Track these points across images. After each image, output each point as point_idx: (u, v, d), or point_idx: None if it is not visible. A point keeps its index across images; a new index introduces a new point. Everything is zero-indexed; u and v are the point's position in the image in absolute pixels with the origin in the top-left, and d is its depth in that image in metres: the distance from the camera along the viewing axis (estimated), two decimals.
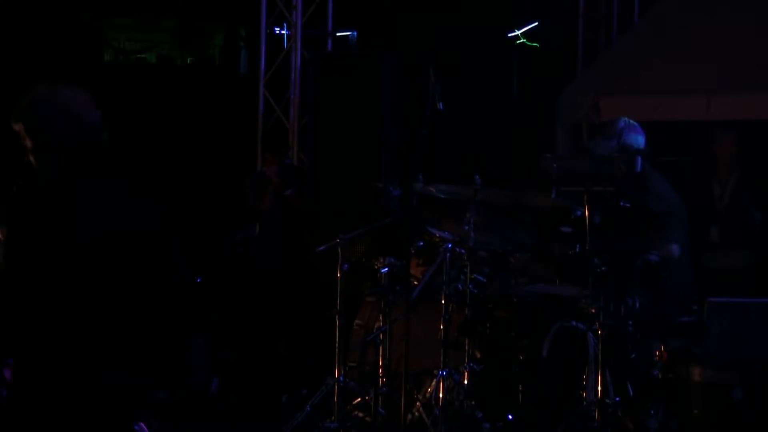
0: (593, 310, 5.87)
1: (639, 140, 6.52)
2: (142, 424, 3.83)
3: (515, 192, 6.90)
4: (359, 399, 6.64)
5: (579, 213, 6.07)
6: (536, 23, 11.82)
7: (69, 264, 3.53)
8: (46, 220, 3.55)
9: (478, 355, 6.41)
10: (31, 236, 3.54)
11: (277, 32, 10.23)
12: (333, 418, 6.51)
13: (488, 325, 6.50)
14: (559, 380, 6.18)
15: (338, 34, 10.13)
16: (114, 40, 19.45)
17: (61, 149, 3.69)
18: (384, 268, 6.49)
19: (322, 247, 6.77)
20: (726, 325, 5.66)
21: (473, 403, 6.18)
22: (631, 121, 6.61)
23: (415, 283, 6.47)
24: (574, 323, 6.19)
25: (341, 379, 6.54)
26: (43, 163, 3.67)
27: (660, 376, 5.95)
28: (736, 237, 7.94)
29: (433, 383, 6.25)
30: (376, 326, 6.60)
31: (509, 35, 11.10)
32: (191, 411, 8.20)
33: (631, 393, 6.09)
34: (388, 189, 8.41)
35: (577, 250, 6.19)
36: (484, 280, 6.70)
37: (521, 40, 11.94)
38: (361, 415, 6.60)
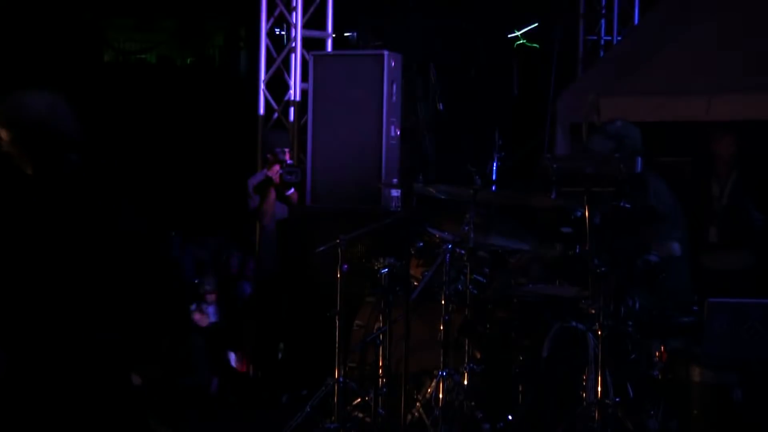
0: (593, 311, 5.87)
1: (637, 140, 6.53)
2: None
3: (515, 192, 6.90)
4: (359, 399, 6.64)
5: (579, 213, 6.08)
6: (536, 23, 11.82)
7: (55, 255, 3.58)
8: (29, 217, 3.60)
9: (478, 356, 6.41)
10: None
11: (277, 33, 10.21)
12: (333, 418, 6.51)
13: (488, 326, 6.50)
14: (559, 381, 6.18)
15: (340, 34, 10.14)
16: (114, 41, 19.44)
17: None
18: (384, 268, 6.49)
19: (321, 248, 6.77)
20: (726, 326, 5.66)
21: (473, 403, 6.18)
22: (628, 123, 6.64)
23: (415, 283, 6.47)
24: (574, 324, 6.19)
25: (341, 379, 6.54)
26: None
27: (660, 377, 5.96)
28: (734, 237, 7.94)
29: (433, 384, 6.25)
30: (376, 327, 6.60)
31: (509, 35, 11.10)
32: (191, 411, 8.21)
33: (631, 393, 6.09)
34: (388, 189, 8.41)
35: (577, 250, 6.20)
36: (484, 281, 6.70)
37: (521, 41, 11.94)
38: (361, 415, 6.60)
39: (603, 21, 11.82)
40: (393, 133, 8.56)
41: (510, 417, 6.16)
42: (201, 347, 8.81)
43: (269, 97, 9.83)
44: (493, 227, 6.79)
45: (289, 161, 9.05)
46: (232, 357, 8.79)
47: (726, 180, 8.03)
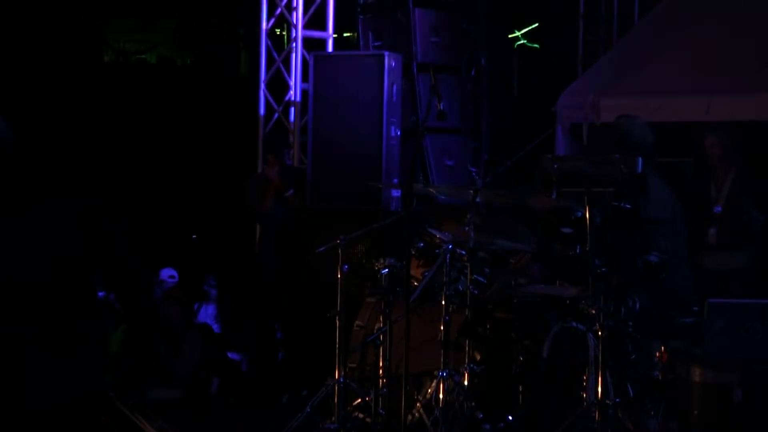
0: (593, 311, 5.87)
1: (644, 138, 6.54)
2: None
3: (515, 193, 6.91)
4: (359, 400, 6.64)
5: (579, 214, 6.08)
6: (536, 24, 11.82)
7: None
8: None
9: (479, 356, 6.41)
10: None
11: (278, 33, 10.22)
12: (333, 419, 6.52)
13: (488, 326, 6.50)
14: (559, 381, 6.18)
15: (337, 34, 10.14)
16: (114, 41, 19.44)
17: None
18: (384, 269, 6.50)
19: (322, 248, 6.77)
20: (726, 326, 5.67)
21: (473, 404, 6.19)
22: (635, 121, 6.67)
23: (416, 284, 6.47)
24: (574, 324, 6.20)
25: (341, 380, 6.55)
26: None
27: (660, 377, 5.96)
28: (733, 238, 7.93)
29: (434, 384, 6.25)
30: (376, 327, 6.60)
31: (509, 36, 11.09)
32: (191, 411, 8.21)
33: (632, 394, 6.09)
34: (388, 189, 8.42)
35: (578, 250, 6.20)
36: (485, 281, 6.70)
37: (522, 41, 11.94)
38: (361, 416, 6.60)
39: (603, 21, 11.80)
40: (393, 133, 8.56)
41: (510, 417, 6.16)
42: (196, 342, 8.86)
43: (270, 98, 9.83)
44: (494, 228, 6.80)
45: (289, 162, 9.05)
46: (215, 383, 8.77)
47: (722, 181, 8.02)
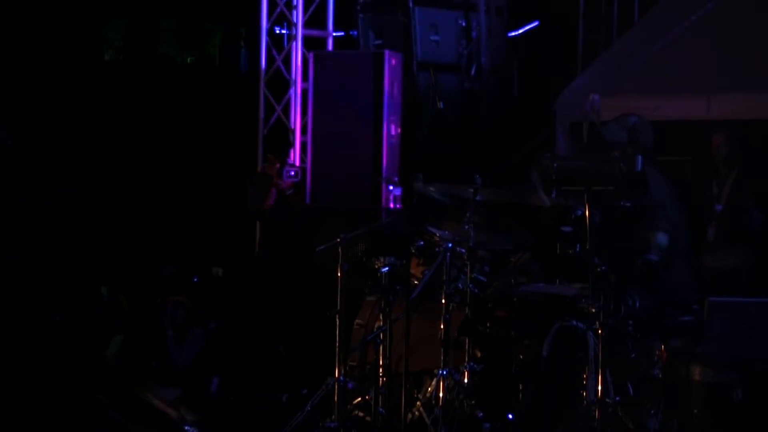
0: (593, 310, 5.87)
1: (649, 139, 6.55)
2: None
3: (515, 192, 6.91)
4: (359, 398, 6.64)
5: (579, 212, 6.08)
6: (536, 23, 11.83)
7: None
8: None
9: (479, 355, 6.42)
10: None
11: (278, 32, 10.23)
12: (333, 417, 6.52)
13: (488, 325, 6.51)
14: (559, 380, 6.18)
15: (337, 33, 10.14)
16: (114, 40, 19.43)
17: None
18: (384, 267, 6.49)
19: (322, 247, 6.77)
20: (726, 325, 5.67)
21: (473, 402, 6.19)
22: (645, 119, 6.68)
23: (416, 282, 6.48)
24: (574, 323, 6.20)
25: (341, 378, 6.55)
26: None
27: (660, 376, 5.97)
28: (732, 237, 7.93)
29: (434, 383, 6.25)
30: (376, 326, 6.60)
31: (509, 35, 11.09)
32: (191, 410, 8.20)
33: (632, 393, 6.10)
34: (388, 188, 8.42)
35: (578, 249, 6.21)
36: (485, 280, 6.70)
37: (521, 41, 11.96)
38: (361, 414, 6.60)
39: (603, 21, 11.81)
40: (393, 132, 8.56)
41: (510, 416, 6.16)
42: (200, 337, 8.91)
43: (270, 97, 9.83)
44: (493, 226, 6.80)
45: (289, 160, 9.05)
46: (215, 383, 8.79)
47: (725, 179, 8.02)
